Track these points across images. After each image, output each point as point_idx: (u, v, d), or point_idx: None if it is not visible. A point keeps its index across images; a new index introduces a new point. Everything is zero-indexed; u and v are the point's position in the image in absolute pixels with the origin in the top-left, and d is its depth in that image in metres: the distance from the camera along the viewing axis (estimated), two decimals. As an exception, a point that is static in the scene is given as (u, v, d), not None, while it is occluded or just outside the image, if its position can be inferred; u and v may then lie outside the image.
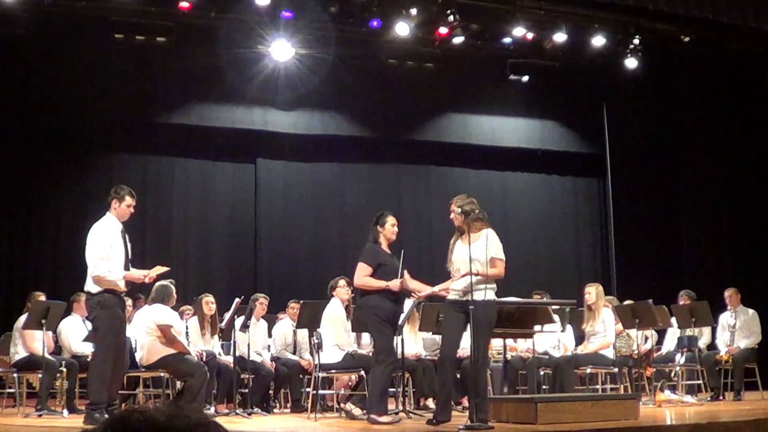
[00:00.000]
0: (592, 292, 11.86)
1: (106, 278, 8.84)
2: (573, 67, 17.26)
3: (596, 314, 11.70)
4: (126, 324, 9.53)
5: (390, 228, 9.45)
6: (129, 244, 9.27)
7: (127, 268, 9.08)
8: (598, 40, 16.46)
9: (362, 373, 10.37)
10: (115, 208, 9.22)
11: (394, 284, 8.92)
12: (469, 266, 8.31)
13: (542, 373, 12.25)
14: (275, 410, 12.23)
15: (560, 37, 16.26)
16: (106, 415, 8.33)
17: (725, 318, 13.47)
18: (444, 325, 8.97)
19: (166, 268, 9.46)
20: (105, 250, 8.93)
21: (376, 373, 8.78)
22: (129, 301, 12.39)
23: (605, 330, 11.70)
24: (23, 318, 11.05)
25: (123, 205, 9.22)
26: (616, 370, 11.86)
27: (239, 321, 11.53)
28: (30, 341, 11.07)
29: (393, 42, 16.28)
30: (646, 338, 13.42)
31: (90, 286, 8.98)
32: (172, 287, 10.63)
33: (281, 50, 15.87)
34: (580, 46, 16.60)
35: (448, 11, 15.52)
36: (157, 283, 10.57)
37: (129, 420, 1.53)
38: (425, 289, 9.32)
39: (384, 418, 8.29)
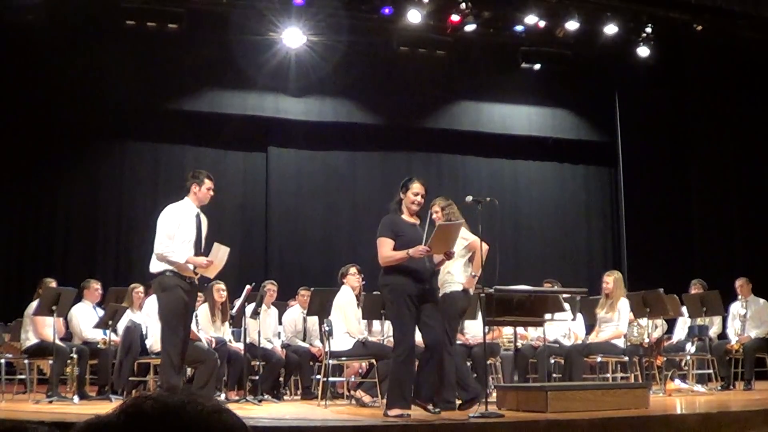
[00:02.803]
0: (611, 280, 11.82)
1: (168, 257, 8.65)
2: (585, 55, 17.24)
3: (614, 303, 11.67)
4: (192, 307, 9.25)
5: (411, 196, 8.38)
6: (204, 230, 9.11)
7: (197, 254, 8.89)
8: (611, 29, 16.42)
9: (372, 360, 10.37)
10: (194, 192, 9.13)
11: (416, 250, 7.97)
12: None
13: (553, 361, 12.24)
14: (285, 397, 12.24)
15: (572, 25, 16.24)
16: None
17: (736, 307, 13.43)
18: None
19: (226, 249, 9.29)
20: (172, 230, 8.78)
21: (391, 365, 8.62)
22: (140, 288, 12.46)
23: (619, 319, 11.67)
24: (34, 304, 11.06)
25: (203, 188, 9.13)
26: (626, 359, 11.83)
27: (250, 308, 11.54)
28: (41, 327, 11.09)
29: (405, 29, 16.26)
30: (656, 326, 13.40)
31: (152, 266, 8.80)
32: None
33: (293, 37, 15.87)
34: (592, 34, 16.57)
35: (461, -1, 15.53)
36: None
37: (142, 406, 1.53)
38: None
39: (393, 412, 7.90)
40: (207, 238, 9.22)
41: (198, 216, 9.07)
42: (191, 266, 8.78)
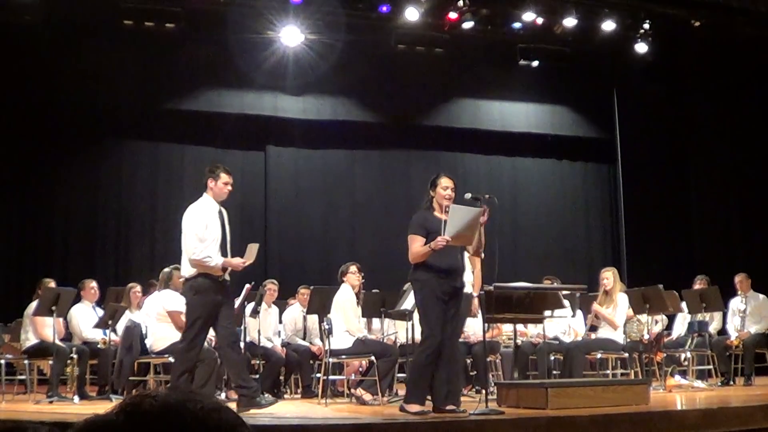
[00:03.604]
0: (610, 276, 11.82)
1: (205, 263, 8.48)
2: (583, 52, 17.23)
3: (613, 298, 11.67)
4: (229, 310, 9.02)
5: (441, 191, 8.29)
6: (227, 226, 8.95)
7: (224, 251, 8.72)
8: (608, 25, 16.42)
9: (372, 358, 10.37)
10: (211, 188, 8.92)
11: (436, 243, 7.87)
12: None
13: (552, 358, 12.24)
14: (286, 396, 12.25)
15: (570, 21, 16.24)
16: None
17: (735, 303, 13.44)
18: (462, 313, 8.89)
19: (256, 245, 9.20)
20: (201, 232, 8.58)
21: (414, 359, 8.58)
22: (138, 288, 12.47)
23: (616, 313, 11.67)
24: (34, 305, 11.06)
25: (219, 183, 8.91)
26: (626, 355, 11.84)
27: (250, 307, 11.55)
28: (41, 328, 11.09)
29: (403, 27, 16.26)
30: (656, 321, 13.40)
31: (185, 270, 8.64)
32: (174, 270, 10.59)
33: (291, 36, 15.86)
34: (590, 30, 16.57)
35: (458, -4, 15.54)
36: (164, 270, 10.63)
37: (142, 405, 1.54)
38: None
39: (412, 408, 7.85)
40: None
41: (220, 213, 8.90)
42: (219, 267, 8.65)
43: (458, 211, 7.95)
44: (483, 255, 8.45)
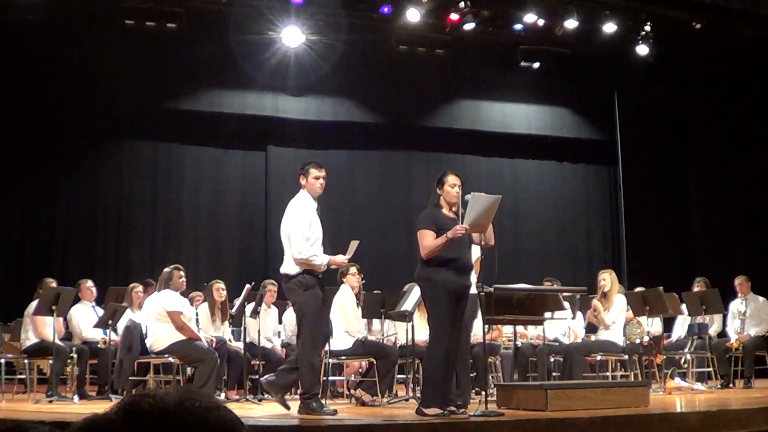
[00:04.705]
0: (607, 278, 11.82)
1: (312, 262, 8.52)
2: (584, 53, 17.24)
3: (611, 300, 11.67)
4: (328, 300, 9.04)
5: (449, 189, 8.28)
6: (323, 224, 8.99)
7: (324, 249, 8.73)
8: (609, 27, 16.42)
9: (372, 359, 10.37)
10: (304, 185, 9.03)
11: (454, 231, 7.80)
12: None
13: (552, 360, 12.25)
14: (286, 396, 12.23)
15: (571, 23, 16.24)
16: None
17: (735, 305, 13.43)
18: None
19: (356, 241, 9.19)
20: (306, 230, 8.66)
21: (424, 362, 8.51)
22: (139, 287, 12.47)
23: (611, 312, 11.68)
24: (34, 304, 11.06)
25: (310, 179, 9.00)
26: (626, 357, 11.84)
27: (249, 307, 11.55)
28: (41, 327, 11.09)
29: (404, 28, 16.27)
30: (651, 323, 13.38)
31: (288, 268, 8.61)
32: (175, 270, 10.60)
33: (292, 36, 15.86)
34: (591, 32, 16.57)
35: (459, -3, 15.55)
36: (164, 269, 10.64)
37: (140, 404, 1.54)
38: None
39: (430, 411, 7.74)
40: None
41: (318, 210, 9.01)
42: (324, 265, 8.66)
43: (478, 199, 7.92)
44: (493, 242, 8.37)
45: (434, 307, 8.10)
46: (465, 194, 8.16)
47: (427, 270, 8.09)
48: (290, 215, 8.86)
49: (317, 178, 9.02)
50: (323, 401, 8.94)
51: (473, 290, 8.61)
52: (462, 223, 7.89)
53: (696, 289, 13.28)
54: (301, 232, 8.62)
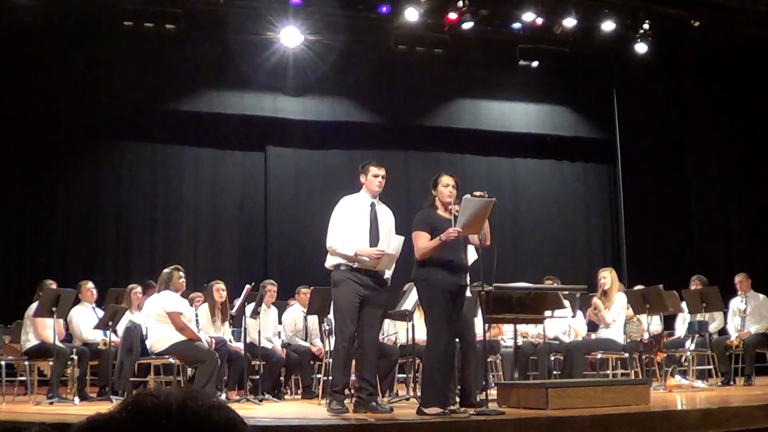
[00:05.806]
0: (607, 276, 11.83)
1: (337, 250, 8.63)
2: (583, 52, 17.24)
3: (611, 299, 11.67)
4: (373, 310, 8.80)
5: (442, 189, 8.33)
6: (384, 222, 8.92)
7: (373, 245, 8.68)
8: (608, 25, 16.43)
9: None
10: (363, 182, 9.06)
11: (447, 234, 7.82)
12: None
13: (553, 358, 12.25)
14: (286, 396, 12.25)
15: (570, 22, 16.25)
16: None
17: (736, 303, 13.43)
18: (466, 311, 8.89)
19: (400, 238, 8.98)
20: (342, 221, 8.82)
21: (423, 362, 8.50)
22: (138, 288, 12.47)
23: (609, 312, 11.68)
24: (34, 306, 11.05)
25: (370, 176, 9.00)
26: (626, 355, 11.85)
27: (250, 308, 11.53)
28: (41, 329, 11.09)
29: (402, 28, 16.27)
30: (650, 321, 13.39)
31: (327, 261, 8.84)
32: (174, 271, 10.60)
33: (290, 36, 15.86)
34: (590, 31, 16.58)
35: (458, -4, 15.55)
36: (164, 270, 10.64)
37: (144, 403, 1.54)
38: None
39: (431, 410, 7.73)
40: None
41: (373, 206, 8.91)
42: (365, 258, 8.61)
43: (469, 203, 7.91)
44: (489, 242, 8.38)
45: (431, 307, 8.11)
46: (462, 194, 8.16)
47: (423, 270, 8.13)
48: (335, 208, 9.02)
49: (376, 176, 9.01)
50: (323, 401, 8.93)
51: (468, 293, 8.65)
52: (455, 225, 7.90)
53: (693, 287, 13.28)
54: (334, 223, 8.82)
